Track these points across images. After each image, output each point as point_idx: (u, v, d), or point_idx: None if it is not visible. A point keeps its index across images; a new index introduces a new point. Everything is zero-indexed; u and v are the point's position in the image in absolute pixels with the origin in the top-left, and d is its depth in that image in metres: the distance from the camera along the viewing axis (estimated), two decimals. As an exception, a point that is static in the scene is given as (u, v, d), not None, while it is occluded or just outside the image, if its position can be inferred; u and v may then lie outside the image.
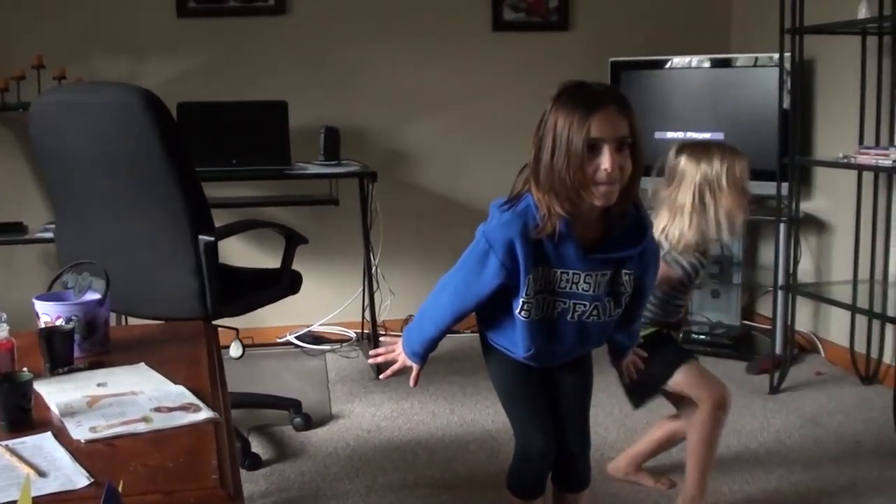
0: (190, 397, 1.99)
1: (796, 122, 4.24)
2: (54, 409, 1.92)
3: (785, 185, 4.26)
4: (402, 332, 2.53)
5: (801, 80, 4.35)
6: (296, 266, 3.81)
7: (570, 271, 2.28)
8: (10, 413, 1.82)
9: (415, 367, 2.47)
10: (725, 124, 4.85)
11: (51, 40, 4.71)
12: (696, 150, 2.96)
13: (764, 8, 4.72)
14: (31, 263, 4.84)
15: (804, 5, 4.05)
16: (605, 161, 2.15)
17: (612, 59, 5.07)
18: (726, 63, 4.96)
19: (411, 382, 2.48)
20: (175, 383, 2.09)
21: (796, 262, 4.37)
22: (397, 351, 2.50)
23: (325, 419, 4.02)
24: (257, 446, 3.69)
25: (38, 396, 1.96)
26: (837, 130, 4.57)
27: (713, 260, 4.98)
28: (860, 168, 4.08)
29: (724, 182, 2.89)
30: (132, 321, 3.91)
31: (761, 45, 4.75)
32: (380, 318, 4.97)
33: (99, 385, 2.09)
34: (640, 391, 3.02)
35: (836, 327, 4.68)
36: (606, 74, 5.01)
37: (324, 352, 5.06)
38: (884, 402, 4.02)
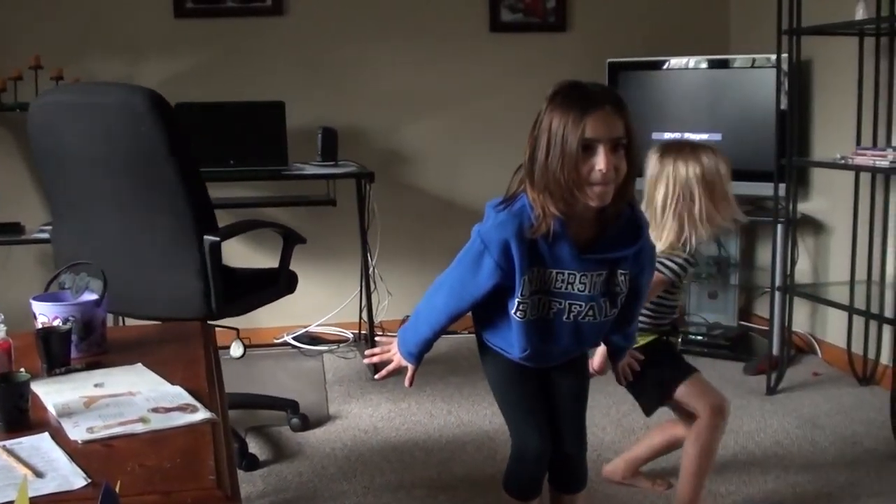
0: (187, 398, 1.99)
1: (794, 123, 4.24)
2: (51, 410, 1.92)
3: (782, 186, 4.26)
4: (398, 332, 2.53)
5: (798, 81, 4.35)
6: (293, 267, 3.81)
7: (566, 272, 2.28)
8: (8, 413, 1.82)
9: (410, 367, 2.47)
10: (723, 125, 4.85)
11: (48, 41, 4.71)
12: (676, 150, 2.95)
13: (761, 9, 4.72)
14: (28, 264, 4.84)
15: (802, 6, 4.06)
16: (600, 161, 2.15)
17: (609, 59, 5.07)
18: (724, 64, 4.96)
19: (406, 382, 2.48)
20: (172, 384, 2.09)
21: (793, 263, 4.38)
22: (393, 351, 2.50)
23: (323, 420, 4.02)
24: (254, 447, 3.69)
25: (36, 397, 1.96)
26: (835, 131, 4.57)
27: (712, 261, 4.99)
28: (857, 169, 4.08)
29: (702, 182, 2.89)
30: (129, 322, 3.91)
31: (759, 46, 4.75)
32: (377, 319, 4.97)
33: (96, 385, 2.09)
34: (647, 401, 3.03)
35: (834, 328, 4.68)
36: (604, 75, 5.02)
37: (321, 352, 5.06)
38: (881, 402, 4.02)
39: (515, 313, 2.30)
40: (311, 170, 4.70)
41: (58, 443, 1.73)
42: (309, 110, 4.98)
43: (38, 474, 1.59)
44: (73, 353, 2.29)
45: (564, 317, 2.34)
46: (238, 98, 4.82)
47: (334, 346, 5.14)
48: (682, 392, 2.96)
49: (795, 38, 4.11)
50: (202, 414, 1.89)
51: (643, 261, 2.40)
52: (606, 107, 2.16)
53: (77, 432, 1.78)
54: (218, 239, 3.34)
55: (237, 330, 4.82)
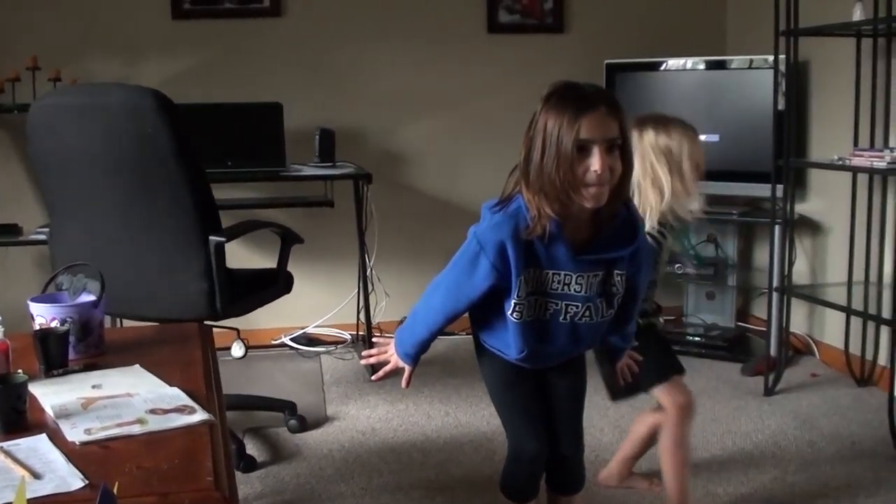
0: (185, 399, 1.99)
1: (791, 124, 4.25)
2: (49, 411, 1.92)
3: (780, 187, 4.26)
4: (395, 333, 2.53)
5: (795, 82, 4.36)
6: (291, 268, 3.81)
7: (562, 272, 2.28)
8: (5, 415, 1.82)
9: (407, 368, 2.47)
10: (721, 126, 4.85)
11: (46, 42, 4.71)
12: (651, 122, 2.96)
13: (759, 10, 4.73)
14: (25, 265, 4.83)
15: (799, 7, 4.06)
16: (595, 162, 2.15)
17: (607, 61, 5.07)
18: (721, 65, 4.96)
19: (403, 383, 2.48)
20: (170, 385, 2.09)
21: (791, 264, 4.38)
22: (390, 352, 2.50)
23: (320, 421, 4.02)
24: (252, 448, 3.69)
25: (33, 398, 1.96)
26: (832, 132, 4.57)
27: (710, 262, 4.99)
28: (855, 170, 4.09)
29: (675, 155, 2.90)
30: (126, 323, 3.91)
31: (756, 48, 4.76)
32: (375, 320, 4.97)
33: (94, 387, 2.09)
34: (623, 389, 3.01)
35: (831, 329, 4.68)
36: (602, 76, 5.02)
37: (319, 354, 5.06)
38: (878, 403, 4.03)
39: (512, 314, 2.30)
40: (308, 171, 4.70)
41: (55, 444, 1.73)
42: (307, 111, 4.98)
43: (36, 476, 1.59)
44: (71, 355, 2.29)
45: (561, 318, 2.34)
46: (236, 99, 4.82)
47: (332, 348, 5.14)
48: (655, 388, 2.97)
49: (793, 39, 4.12)
50: (200, 415, 1.89)
51: (640, 261, 2.40)
52: (601, 108, 2.16)
53: (75, 433, 1.78)
54: (224, 239, 3.35)
55: (237, 330, 4.83)
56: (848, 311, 4.13)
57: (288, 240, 3.80)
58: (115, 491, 1.39)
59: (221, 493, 1.56)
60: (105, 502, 1.36)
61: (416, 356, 2.46)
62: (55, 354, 2.21)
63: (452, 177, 5.30)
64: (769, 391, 4.27)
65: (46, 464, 1.64)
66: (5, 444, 1.72)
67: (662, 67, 5.03)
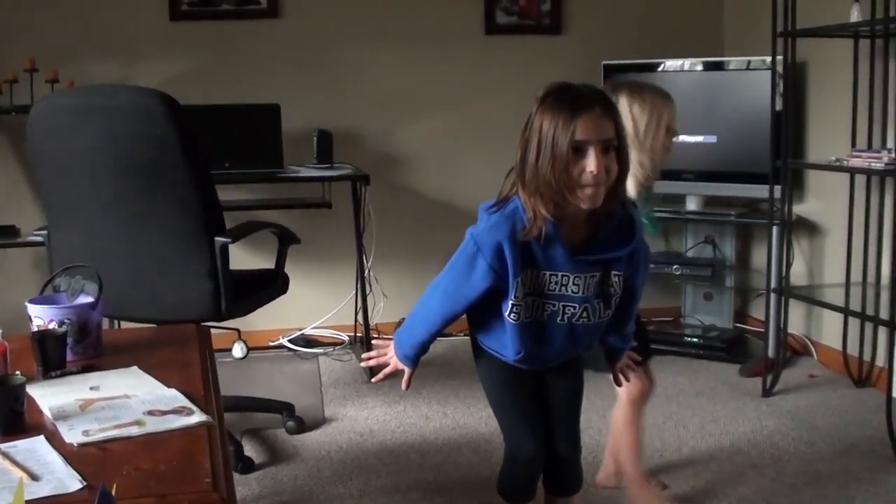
0: (183, 401, 1.99)
1: (789, 125, 4.25)
2: (47, 413, 1.91)
3: (777, 188, 4.26)
4: (394, 335, 2.53)
5: (793, 84, 4.36)
6: (289, 269, 3.82)
7: (559, 273, 2.28)
8: (3, 416, 1.81)
9: (406, 370, 2.47)
10: (718, 127, 4.86)
11: (43, 43, 4.70)
12: (626, 88, 2.97)
13: (756, 11, 4.74)
14: (23, 267, 4.83)
15: (796, 9, 4.06)
16: (591, 163, 2.15)
17: (604, 62, 5.06)
18: (719, 66, 4.97)
19: (403, 385, 2.48)
20: (168, 387, 2.09)
21: (789, 265, 4.39)
22: (389, 354, 2.50)
23: (318, 422, 4.02)
24: (250, 450, 3.69)
25: (31, 400, 1.95)
26: (830, 133, 4.58)
27: (708, 263, 5.00)
28: (852, 171, 4.09)
29: (654, 121, 2.91)
30: (124, 325, 3.91)
31: (754, 49, 4.76)
32: (372, 322, 4.97)
33: (92, 388, 2.09)
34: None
35: (829, 330, 4.68)
36: (599, 77, 5.01)
37: (316, 355, 5.05)
38: (876, 404, 4.03)
39: (509, 315, 2.30)
40: (306, 172, 4.70)
41: (53, 446, 1.73)
42: (304, 113, 4.98)
43: (34, 477, 1.59)
44: (69, 356, 2.29)
45: (558, 319, 2.34)
46: (233, 100, 4.82)
47: (330, 349, 5.14)
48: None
49: (790, 40, 4.12)
50: (198, 417, 1.88)
51: (637, 261, 2.40)
52: (596, 108, 2.16)
53: (73, 435, 1.78)
54: (230, 240, 3.37)
55: (238, 331, 4.83)
56: (846, 311, 4.13)
57: (286, 240, 3.81)
58: (113, 492, 1.39)
59: (219, 495, 1.56)
60: (103, 504, 1.36)
61: (415, 358, 2.46)
62: (53, 356, 2.21)
63: (450, 178, 5.30)
64: (767, 392, 4.27)
65: (44, 465, 1.64)
66: (3, 446, 1.72)
67: (660, 68, 5.03)
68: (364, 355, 2.59)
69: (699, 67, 4.98)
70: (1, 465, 1.64)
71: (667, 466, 3.50)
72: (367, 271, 4.88)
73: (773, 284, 4.36)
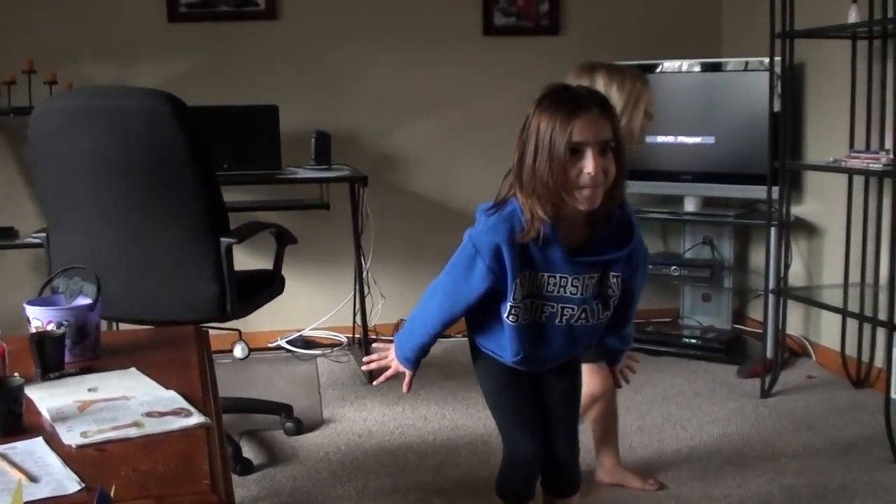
0: (181, 402, 1.99)
1: (787, 126, 4.25)
2: (45, 415, 1.91)
3: (776, 189, 4.26)
4: (393, 336, 2.53)
5: (791, 85, 4.36)
6: (287, 270, 3.83)
7: (557, 275, 2.28)
8: (2, 418, 1.81)
9: (407, 373, 2.47)
10: (716, 129, 4.86)
11: (41, 45, 4.70)
12: (603, 70, 3.02)
13: (754, 12, 4.74)
14: (22, 268, 4.83)
15: (794, 10, 4.06)
16: (588, 165, 2.14)
17: (602, 63, 5.06)
18: (717, 67, 4.97)
19: (404, 388, 2.48)
20: (166, 388, 2.09)
21: (787, 266, 4.38)
22: (390, 357, 2.50)
23: (317, 424, 4.01)
24: (248, 451, 3.68)
25: (30, 401, 1.95)
26: (828, 134, 4.58)
27: (706, 264, 5.00)
28: (851, 172, 4.09)
29: (632, 101, 2.93)
30: (122, 326, 3.91)
31: (752, 50, 4.76)
32: (371, 323, 4.97)
33: (90, 390, 2.09)
34: None
35: (828, 331, 4.69)
36: (597, 79, 5.01)
37: (315, 356, 5.05)
38: (875, 405, 4.02)
39: (508, 317, 2.30)
40: (304, 173, 4.70)
41: (52, 447, 1.73)
42: (303, 114, 4.98)
43: (33, 479, 1.59)
44: (67, 358, 2.28)
45: (557, 320, 2.34)
46: (232, 102, 4.81)
47: (328, 350, 5.13)
48: (587, 367, 2.94)
49: (788, 41, 4.12)
50: (196, 418, 1.88)
51: (636, 262, 2.40)
52: (594, 109, 2.16)
53: (71, 437, 1.77)
54: (235, 240, 3.38)
55: (239, 331, 4.84)
56: (844, 312, 4.13)
57: (283, 240, 3.81)
58: (111, 494, 1.39)
59: (218, 496, 1.56)
60: (102, 505, 1.36)
61: (416, 360, 2.46)
62: (51, 358, 2.21)
63: (448, 179, 5.30)
64: (765, 393, 4.27)
65: (43, 467, 1.64)
66: (2, 448, 1.72)
67: (658, 70, 5.03)
68: (365, 359, 2.59)
69: (697, 68, 4.98)
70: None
71: (665, 467, 3.50)
72: (365, 272, 4.88)
73: (771, 285, 4.36)
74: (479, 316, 2.41)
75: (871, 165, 3.79)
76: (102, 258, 3.24)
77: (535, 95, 2.23)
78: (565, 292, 2.29)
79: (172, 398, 2.01)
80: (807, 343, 4.85)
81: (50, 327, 2.32)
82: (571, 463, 2.60)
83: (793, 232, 4.65)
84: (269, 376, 4.74)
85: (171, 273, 3.38)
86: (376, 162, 5.13)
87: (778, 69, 4.23)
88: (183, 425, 1.85)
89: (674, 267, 4.99)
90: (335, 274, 5.17)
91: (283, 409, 3.96)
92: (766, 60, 4.31)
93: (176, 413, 1.91)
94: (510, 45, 5.30)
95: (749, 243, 5.31)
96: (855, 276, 4.34)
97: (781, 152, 4.20)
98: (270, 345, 5.17)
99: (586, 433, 3.18)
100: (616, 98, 2.89)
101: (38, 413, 1.93)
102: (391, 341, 2.54)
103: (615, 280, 2.34)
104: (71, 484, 1.57)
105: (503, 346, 2.39)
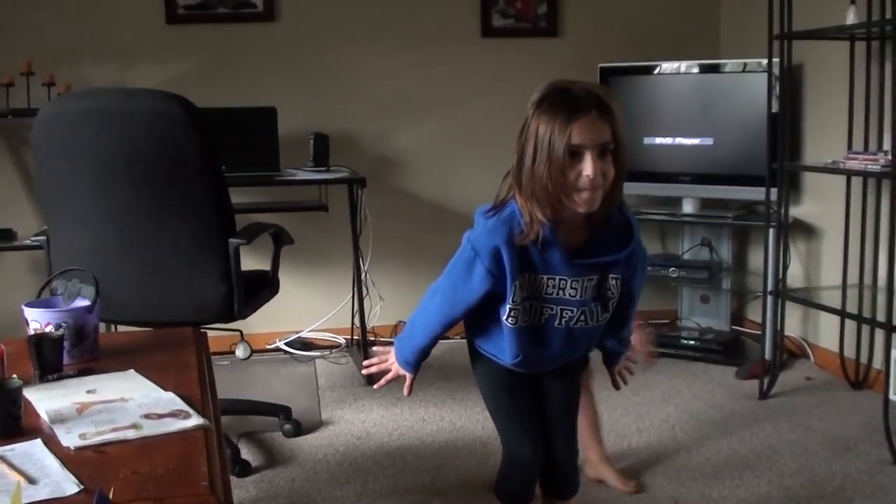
0: (180, 404, 1.99)
1: (785, 128, 4.25)
2: (44, 416, 1.91)
3: (774, 191, 4.27)
4: (391, 338, 2.53)
5: (789, 86, 4.36)
6: (285, 272, 3.83)
7: (557, 277, 2.28)
8: (0, 420, 1.81)
9: (408, 375, 2.48)
10: (715, 130, 4.86)
11: (40, 47, 4.70)
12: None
13: (753, 14, 4.74)
14: (20, 270, 4.83)
15: (793, 11, 4.07)
16: (587, 167, 2.14)
17: (601, 64, 5.07)
18: (715, 69, 4.97)
19: (405, 391, 2.49)
20: (165, 390, 2.09)
21: (786, 268, 4.38)
22: (390, 360, 2.50)
23: (315, 425, 4.01)
24: (247, 453, 3.68)
25: (28, 403, 1.95)
26: (826, 135, 4.58)
27: (705, 265, 5.00)
28: (849, 173, 4.10)
29: None
30: (121, 328, 3.90)
31: (750, 51, 4.76)
32: (369, 325, 4.96)
33: (88, 392, 2.09)
34: None
35: (826, 332, 4.69)
36: (596, 80, 5.01)
37: (313, 358, 5.05)
38: (873, 406, 4.02)
39: (507, 319, 2.30)
40: (303, 175, 4.69)
41: (50, 449, 1.73)
42: (301, 116, 4.98)
43: (31, 481, 1.59)
44: (66, 360, 2.28)
45: (556, 322, 2.34)
46: (230, 104, 4.81)
47: (326, 352, 5.13)
48: None
49: (787, 42, 4.12)
50: (195, 420, 1.88)
51: (635, 264, 2.40)
52: (593, 112, 2.15)
53: (69, 439, 1.77)
54: (244, 241, 3.39)
55: (241, 332, 4.84)
56: (842, 314, 4.13)
57: (280, 240, 3.82)
58: (110, 496, 1.39)
59: (216, 498, 1.56)
60: (100, 507, 1.35)
61: (416, 363, 2.46)
62: (50, 359, 2.21)
63: (447, 181, 5.30)
64: (764, 395, 4.27)
65: (41, 469, 1.64)
66: (0, 450, 1.72)
67: (656, 71, 5.03)
68: (365, 363, 2.60)
69: (695, 70, 4.98)
70: (-2, 469, 1.64)
71: (664, 468, 3.50)
72: (363, 274, 4.87)
73: (769, 287, 4.36)
74: (478, 318, 2.41)
75: (869, 167, 3.79)
76: (106, 260, 3.24)
77: (534, 96, 2.23)
78: (564, 294, 2.29)
79: (171, 400, 2.01)
80: (805, 344, 4.85)
81: (48, 329, 2.32)
82: (570, 464, 2.60)
83: (791, 233, 4.66)
84: (268, 378, 4.74)
85: (178, 274, 3.38)
86: (375, 163, 5.13)
87: (776, 70, 4.24)
88: (181, 427, 1.85)
89: (672, 268, 4.99)
90: (333, 276, 5.17)
91: (282, 411, 3.96)
92: (765, 62, 4.31)
93: (174, 415, 1.91)
94: (508, 47, 5.30)
95: (747, 244, 5.31)
96: (853, 278, 4.34)
97: (780, 153, 4.20)
98: (269, 346, 5.17)
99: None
100: None
101: (37, 415, 1.93)
102: (390, 343, 2.55)
103: (614, 282, 2.34)
104: (69, 486, 1.57)
105: (502, 348, 2.39)
